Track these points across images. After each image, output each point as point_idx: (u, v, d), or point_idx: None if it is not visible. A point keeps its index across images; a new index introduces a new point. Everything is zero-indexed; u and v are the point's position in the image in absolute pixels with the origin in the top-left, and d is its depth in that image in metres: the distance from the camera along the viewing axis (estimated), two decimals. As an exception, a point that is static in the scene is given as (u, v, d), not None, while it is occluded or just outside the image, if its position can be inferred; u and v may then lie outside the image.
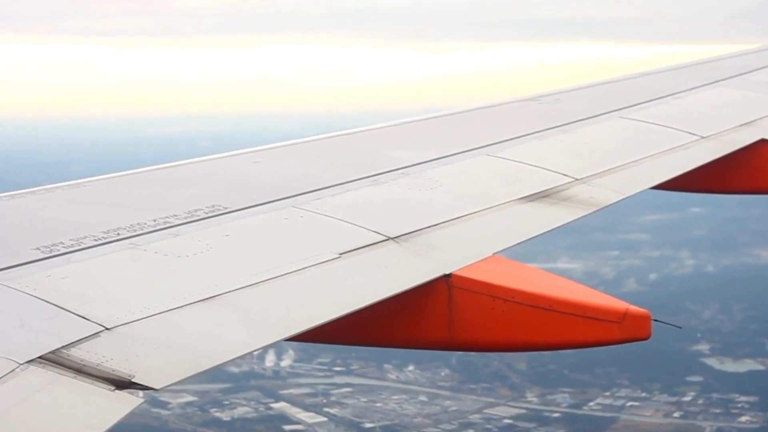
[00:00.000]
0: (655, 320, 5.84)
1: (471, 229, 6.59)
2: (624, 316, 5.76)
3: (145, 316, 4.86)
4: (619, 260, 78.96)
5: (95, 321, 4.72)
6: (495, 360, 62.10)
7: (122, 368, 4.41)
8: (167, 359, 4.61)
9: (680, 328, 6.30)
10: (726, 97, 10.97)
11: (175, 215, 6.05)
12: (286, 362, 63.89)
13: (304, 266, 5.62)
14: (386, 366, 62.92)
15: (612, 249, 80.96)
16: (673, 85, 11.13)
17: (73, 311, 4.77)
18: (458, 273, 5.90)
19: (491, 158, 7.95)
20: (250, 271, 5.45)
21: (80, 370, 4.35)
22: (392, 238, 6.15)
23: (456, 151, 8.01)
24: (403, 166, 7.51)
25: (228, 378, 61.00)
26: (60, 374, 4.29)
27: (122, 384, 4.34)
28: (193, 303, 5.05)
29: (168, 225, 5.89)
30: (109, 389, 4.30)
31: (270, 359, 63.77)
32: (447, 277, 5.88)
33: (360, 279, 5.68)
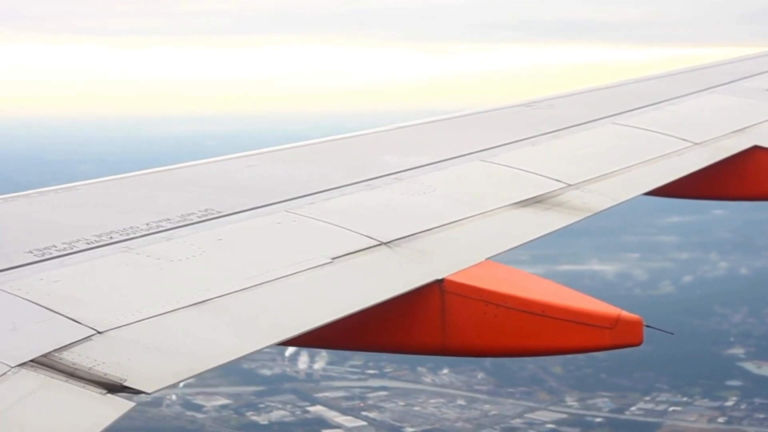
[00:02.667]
0: (647, 326, 5.85)
1: (464, 234, 6.59)
2: (616, 322, 5.77)
3: (137, 319, 4.85)
4: (645, 263, 78.53)
5: (87, 324, 4.71)
6: (530, 363, 61.71)
7: (114, 372, 4.41)
8: (159, 363, 4.61)
9: (672, 334, 6.31)
10: (720, 104, 10.99)
11: (168, 219, 6.05)
12: (318, 365, 63.31)
13: (296, 270, 5.62)
14: (420, 369, 62.37)
15: (639, 251, 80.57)
16: (666, 91, 11.15)
17: (66, 315, 4.77)
18: (451, 278, 5.90)
19: (485, 163, 7.96)
20: (243, 275, 5.46)
21: (72, 374, 4.34)
22: (385, 243, 6.16)
23: (450, 156, 8.02)
24: (396, 170, 7.51)
25: (261, 381, 60.58)
26: (51, 378, 4.29)
27: (114, 388, 4.34)
28: (186, 307, 5.05)
29: (161, 229, 5.89)
30: (101, 393, 4.29)
31: (303, 361, 63.35)
32: (440, 283, 5.88)
33: (352, 284, 5.68)
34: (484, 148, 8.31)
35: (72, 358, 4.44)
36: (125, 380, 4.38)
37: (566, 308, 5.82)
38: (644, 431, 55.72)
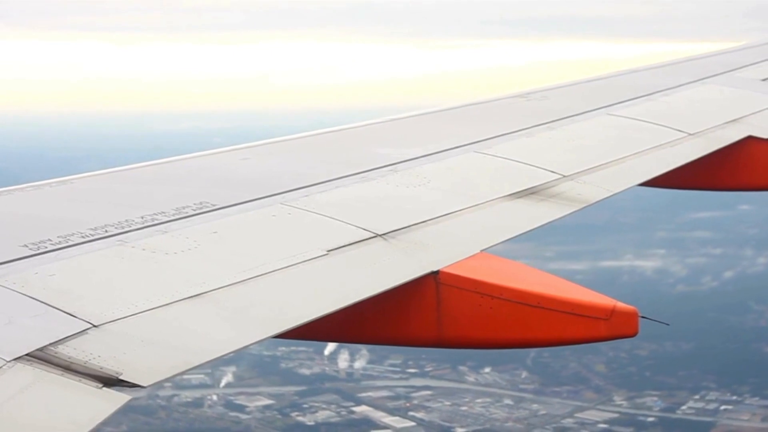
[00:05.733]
0: (643, 317, 5.85)
1: (459, 226, 6.60)
2: (611, 313, 5.77)
3: (132, 313, 4.85)
4: (673, 260, 78.00)
5: (83, 318, 4.71)
6: (572, 362, 61.39)
7: (110, 365, 4.41)
8: (155, 356, 4.61)
9: (668, 324, 6.31)
10: (713, 95, 10.99)
11: (163, 212, 6.05)
12: (358, 364, 62.70)
13: (291, 263, 5.62)
14: (461, 368, 61.73)
15: (664, 248, 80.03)
16: (660, 82, 11.15)
17: (61, 308, 4.77)
18: (446, 270, 5.90)
19: (479, 155, 7.96)
20: (238, 268, 5.46)
21: (68, 368, 4.34)
22: (380, 235, 6.16)
23: (444, 148, 8.02)
24: (391, 162, 7.51)
25: (301, 380, 60.29)
26: (47, 372, 4.29)
27: (110, 381, 4.34)
28: (181, 300, 5.05)
29: (156, 222, 5.88)
30: (97, 387, 4.29)
31: (342, 360, 62.64)
32: (435, 274, 5.88)
33: (348, 276, 5.68)
34: (478, 139, 8.31)
35: (67, 351, 4.44)
36: (121, 374, 4.38)
37: (562, 299, 5.83)
38: (698, 431, 55.08)
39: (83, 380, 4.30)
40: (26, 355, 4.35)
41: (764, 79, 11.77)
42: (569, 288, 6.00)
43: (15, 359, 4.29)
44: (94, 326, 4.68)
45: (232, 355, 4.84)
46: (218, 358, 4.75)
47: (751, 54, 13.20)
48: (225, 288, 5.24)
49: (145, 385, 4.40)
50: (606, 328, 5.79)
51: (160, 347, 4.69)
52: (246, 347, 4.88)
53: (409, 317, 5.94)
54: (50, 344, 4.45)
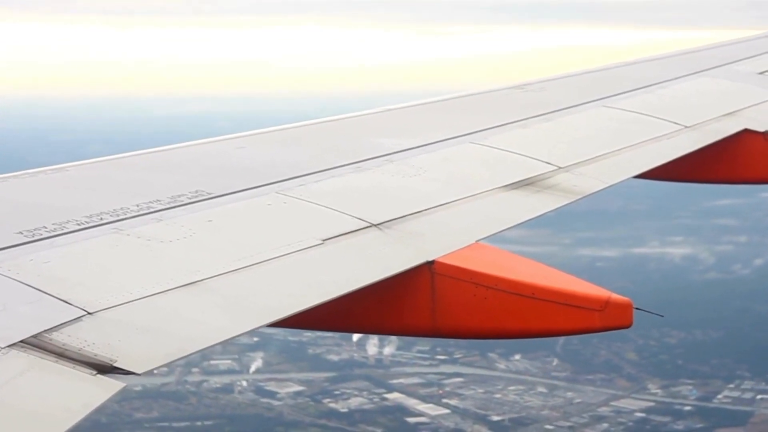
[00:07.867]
0: (637, 308, 5.86)
1: (454, 216, 6.60)
2: (606, 305, 5.78)
3: (127, 300, 4.85)
4: (701, 246, 77.71)
5: (77, 305, 4.71)
6: (603, 349, 61.03)
7: (104, 353, 4.41)
8: (149, 344, 4.62)
9: (662, 316, 6.32)
10: (709, 87, 11.00)
11: (159, 200, 6.05)
12: (387, 350, 62.26)
13: (286, 252, 5.62)
14: (491, 355, 61.29)
15: (690, 234, 79.73)
16: (657, 74, 11.15)
17: (56, 295, 4.77)
18: (441, 260, 5.91)
19: (475, 146, 7.96)
20: (233, 257, 5.46)
21: (62, 355, 4.35)
22: (375, 225, 6.16)
23: (440, 139, 8.02)
24: (387, 153, 7.51)
25: (330, 366, 59.96)
26: (41, 358, 4.29)
27: (104, 368, 4.34)
28: (176, 288, 5.05)
29: (151, 210, 5.88)
30: (91, 374, 4.30)
31: (370, 346, 62.04)
32: (430, 264, 5.89)
33: (343, 265, 5.69)
34: (474, 130, 8.31)
35: (62, 338, 4.44)
36: (115, 361, 4.38)
37: (556, 290, 5.83)
38: (737, 420, 54.80)
39: (77, 367, 4.30)
40: (20, 341, 4.35)
41: (761, 73, 11.77)
42: (564, 279, 6.01)
43: (9, 346, 4.30)
44: (89, 313, 4.68)
45: (235, 341, 4.85)
46: (213, 346, 4.75)
47: (748, 47, 13.20)
48: (220, 276, 5.25)
49: (139, 372, 4.40)
50: (600, 319, 5.80)
51: (155, 335, 4.69)
52: (240, 335, 4.88)
53: (403, 307, 5.95)
54: (45, 331, 4.46)
